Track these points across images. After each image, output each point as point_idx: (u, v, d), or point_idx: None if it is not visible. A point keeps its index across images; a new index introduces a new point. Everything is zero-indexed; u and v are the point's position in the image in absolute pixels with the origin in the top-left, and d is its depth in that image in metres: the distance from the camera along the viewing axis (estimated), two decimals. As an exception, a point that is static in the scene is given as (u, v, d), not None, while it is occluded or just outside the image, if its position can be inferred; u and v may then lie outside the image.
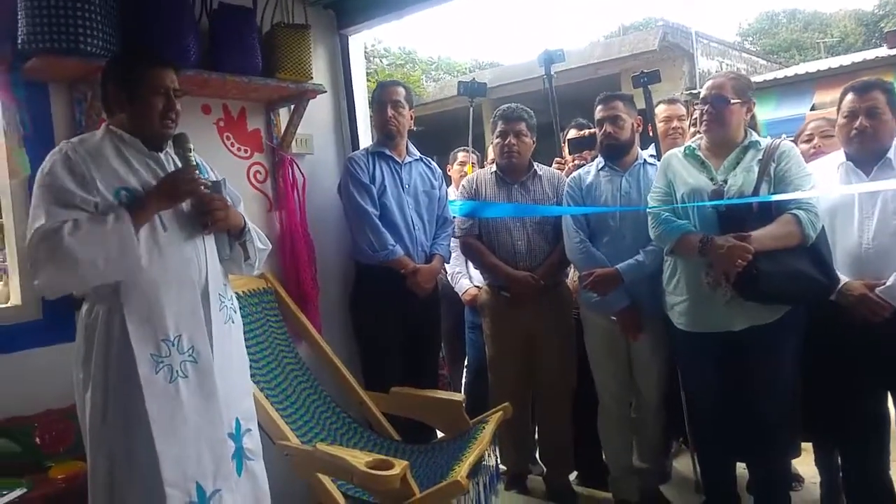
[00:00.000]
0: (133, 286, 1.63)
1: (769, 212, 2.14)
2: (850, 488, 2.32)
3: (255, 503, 1.84)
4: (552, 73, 3.30)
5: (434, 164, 2.94)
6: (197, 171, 1.74)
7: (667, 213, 2.28)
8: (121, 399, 1.62)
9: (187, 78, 2.08)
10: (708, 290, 2.16)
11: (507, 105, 2.84)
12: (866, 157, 2.16)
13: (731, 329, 2.18)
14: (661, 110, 3.13)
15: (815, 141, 2.65)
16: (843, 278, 2.12)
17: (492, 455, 2.29)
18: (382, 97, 2.73)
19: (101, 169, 1.65)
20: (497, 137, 2.81)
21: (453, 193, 3.70)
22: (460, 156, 4.04)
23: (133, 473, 1.61)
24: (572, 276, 2.86)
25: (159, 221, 1.69)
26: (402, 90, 2.77)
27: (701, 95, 2.29)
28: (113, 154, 1.69)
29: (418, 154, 2.88)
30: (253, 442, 1.88)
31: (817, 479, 2.59)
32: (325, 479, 2.02)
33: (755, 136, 2.28)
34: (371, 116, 2.90)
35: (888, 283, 2.04)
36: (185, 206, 1.75)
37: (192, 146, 1.76)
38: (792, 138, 2.70)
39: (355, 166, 2.68)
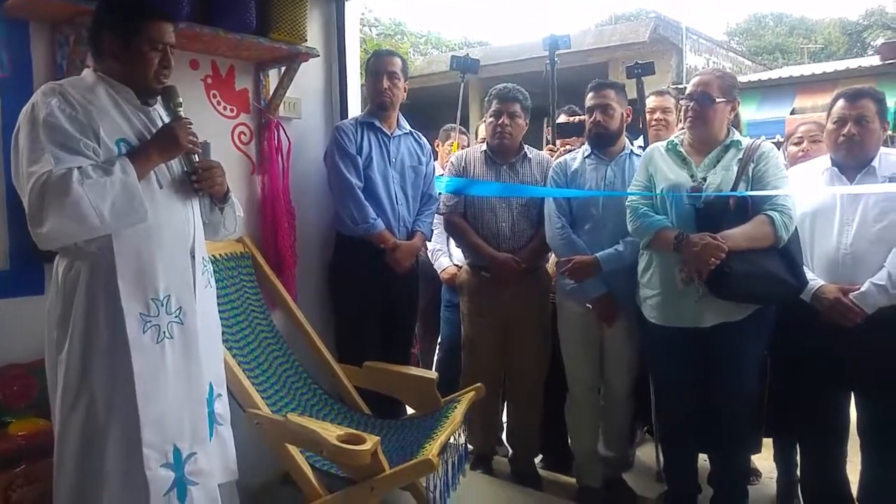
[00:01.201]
0: (127, 242, 1.58)
1: (745, 211, 2.17)
2: (807, 485, 2.40)
3: (224, 468, 1.84)
4: (556, 59, 3.25)
5: (423, 139, 2.89)
6: (192, 124, 1.69)
7: (645, 208, 2.30)
8: (102, 359, 1.58)
9: (178, 31, 2.00)
10: (681, 287, 2.19)
11: (502, 84, 2.80)
12: (852, 163, 2.19)
13: (700, 325, 2.22)
14: (649, 101, 3.13)
15: (804, 144, 2.68)
16: (819, 281, 2.16)
17: (461, 434, 2.30)
18: (378, 67, 2.66)
19: (101, 116, 1.59)
20: (490, 116, 2.77)
21: (440, 170, 3.68)
22: (450, 133, 4.00)
23: (108, 436, 1.58)
24: (552, 261, 2.87)
25: (155, 178, 1.65)
26: (398, 61, 2.71)
27: (687, 91, 2.29)
28: (108, 102, 1.63)
29: (408, 128, 2.83)
30: (223, 407, 1.87)
31: (774, 474, 2.67)
32: (294, 451, 2.01)
33: (737, 136, 2.30)
34: (363, 85, 2.83)
35: (862, 289, 2.08)
36: (178, 165, 1.71)
37: (181, 101, 1.71)
38: (778, 140, 2.73)
39: (343, 136, 2.62)
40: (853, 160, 2.18)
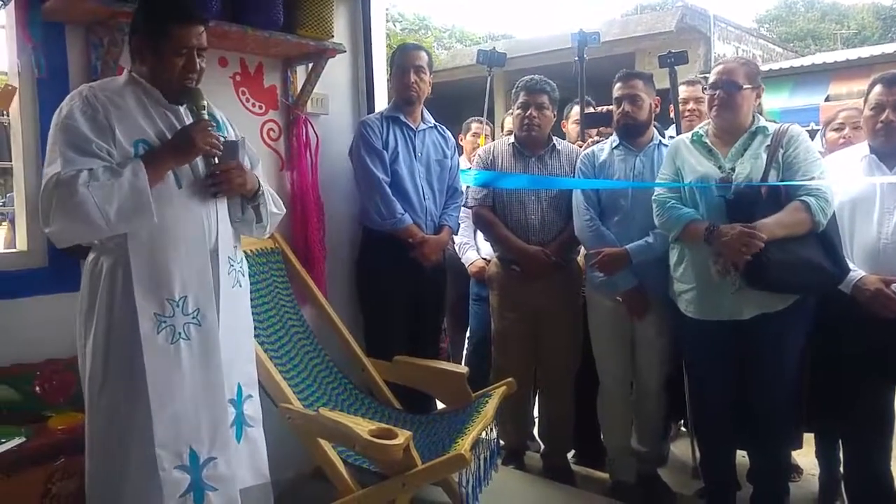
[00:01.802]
0: (142, 241, 1.60)
1: (778, 199, 2.11)
2: (851, 482, 2.33)
3: (254, 470, 1.84)
4: (584, 55, 3.19)
5: (448, 132, 2.87)
6: (213, 126, 1.70)
7: (673, 201, 2.26)
8: (122, 354, 1.61)
9: (208, 29, 2.02)
10: (717, 279, 2.14)
11: (530, 76, 2.77)
12: (891, 150, 2.12)
13: (739, 317, 2.17)
14: (681, 91, 3.08)
15: (845, 130, 2.62)
16: (859, 272, 2.10)
17: (492, 430, 2.29)
18: (405, 61, 2.65)
19: (122, 117, 1.61)
20: (518, 108, 2.74)
21: (465, 163, 3.66)
22: (474, 126, 3.98)
23: (131, 430, 1.60)
24: (581, 254, 2.84)
25: (174, 178, 1.65)
26: (424, 55, 2.69)
27: (711, 80, 2.24)
28: (134, 103, 1.65)
29: (433, 121, 2.81)
30: (253, 408, 1.87)
31: (815, 471, 2.61)
32: (326, 445, 2.02)
33: (762, 122, 2.25)
34: (388, 80, 2.82)
35: None
36: (202, 166, 1.71)
37: (205, 103, 1.71)
38: (812, 128, 2.67)
39: (368, 130, 2.62)
40: (893, 147, 2.12)
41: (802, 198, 2.07)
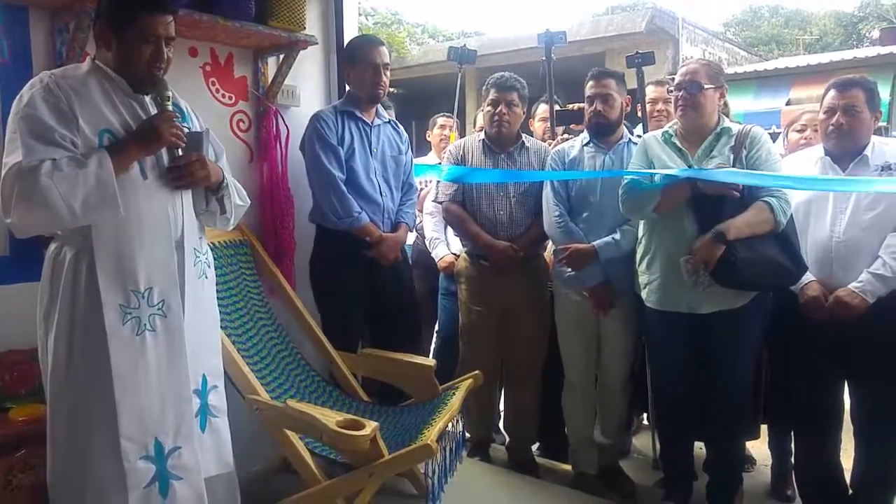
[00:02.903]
0: (106, 232, 1.58)
1: (743, 198, 2.18)
2: (800, 473, 2.43)
3: (218, 460, 1.83)
4: (552, 55, 3.21)
5: (401, 128, 2.84)
6: (178, 117, 1.68)
7: (638, 180, 2.28)
8: (85, 346, 1.59)
9: (177, 18, 2.00)
10: (686, 278, 2.18)
11: (500, 74, 2.79)
12: (843, 153, 2.21)
13: (697, 311, 2.24)
14: (649, 91, 3.14)
15: (806, 132, 2.71)
16: (809, 276, 2.18)
17: (458, 422, 2.32)
18: (373, 58, 2.58)
19: (85, 106, 1.58)
20: (488, 105, 2.76)
21: (433, 159, 3.67)
22: (440, 121, 3.99)
23: (95, 422, 1.59)
24: (549, 249, 2.88)
25: (139, 169, 1.64)
26: (387, 51, 2.66)
27: (675, 82, 2.31)
28: (98, 92, 1.62)
29: (387, 116, 2.78)
30: (218, 399, 1.86)
31: (769, 461, 2.70)
32: (294, 437, 2.03)
33: (727, 123, 2.32)
34: (347, 76, 2.71)
35: (860, 281, 2.09)
36: (166, 156, 1.69)
37: (169, 94, 1.69)
38: (774, 130, 2.76)
39: (323, 125, 2.53)
40: (844, 149, 2.20)
41: (765, 198, 2.14)
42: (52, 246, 1.64)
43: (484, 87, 2.82)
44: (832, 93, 2.21)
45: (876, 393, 2.19)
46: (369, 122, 2.66)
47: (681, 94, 2.26)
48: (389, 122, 2.78)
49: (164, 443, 1.65)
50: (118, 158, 1.56)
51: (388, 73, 2.65)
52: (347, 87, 2.74)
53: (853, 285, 2.10)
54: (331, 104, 2.79)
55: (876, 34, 13.91)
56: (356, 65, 2.62)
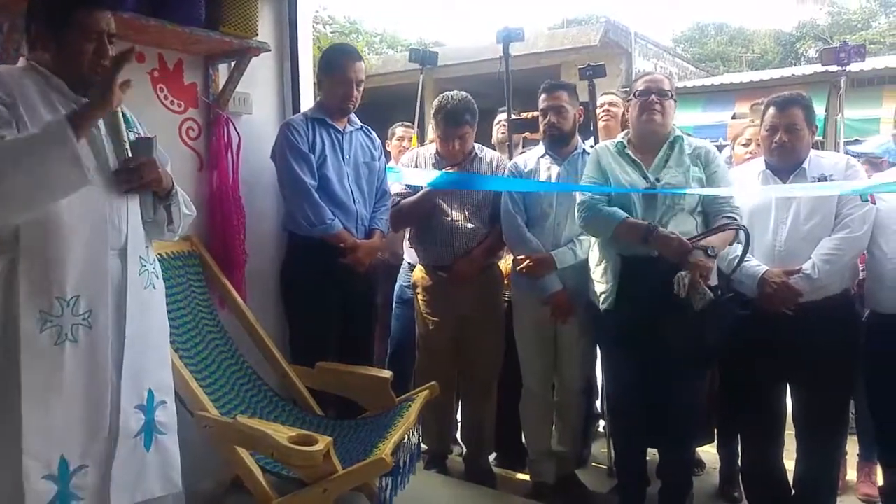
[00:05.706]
0: (35, 235, 1.50)
1: (704, 210, 2.27)
2: (746, 475, 2.50)
3: (164, 479, 1.75)
4: (510, 52, 3.23)
5: (374, 134, 2.83)
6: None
7: (601, 203, 2.30)
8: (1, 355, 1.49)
9: (123, 21, 1.94)
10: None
11: (450, 103, 2.74)
12: (784, 166, 2.30)
13: (652, 320, 2.25)
14: (602, 99, 3.23)
15: (751, 146, 2.82)
16: (763, 267, 2.24)
17: (414, 433, 2.30)
18: (349, 72, 2.56)
19: (25, 104, 1.51)
20: (439, 136, 2.77)
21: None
22: (399, 131, 3.99)
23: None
24: (506, 259, 2.89)
25: None
26: (363, 66, 2.64)
27: (641, 88, 2.34)
28: (34, 93, 1.55)
29: (359, 123, 2.76)
30: (167, 415, 1.78)
31: (718, 465, 2.77)
32: (244, 453, 1.96)
33: (678, 132, 2.38)
34: (320, 82, 2.70)
35: (805, 271, 2.17)
36: (112, 161, 1.63)
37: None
38: (720, 143, 2.85)
39: (294, 133, 2.52)
40: (786, 164, 2.30)
41: (728, 213, 2.22)
42: None
43: (434, 111, 2.80)
44: (772, 111, 2.30)
45: (814, 396, 2.28)
46: (341, 129, 2.64)
47: (650, 97, 2.30)
48: (362, 128, 2.75)
49: (69, 461, 1.54)
50: (77, 124, 1.47)
51: (361, 90, 2.63)
52: (318, 97, 2.73)
53: (795, 278, 2.19)
54: (293, 112, 2.77)
55: (813, 53, 14.55)
56: (331, 75, 2.60)
